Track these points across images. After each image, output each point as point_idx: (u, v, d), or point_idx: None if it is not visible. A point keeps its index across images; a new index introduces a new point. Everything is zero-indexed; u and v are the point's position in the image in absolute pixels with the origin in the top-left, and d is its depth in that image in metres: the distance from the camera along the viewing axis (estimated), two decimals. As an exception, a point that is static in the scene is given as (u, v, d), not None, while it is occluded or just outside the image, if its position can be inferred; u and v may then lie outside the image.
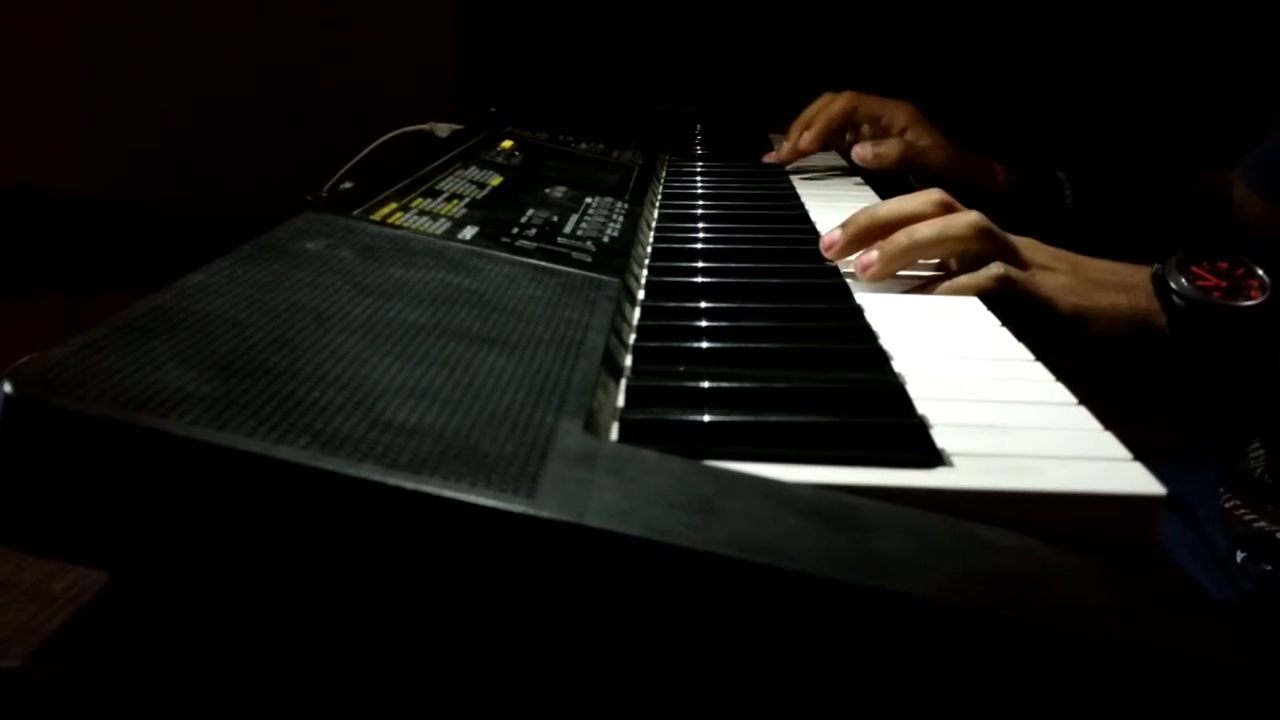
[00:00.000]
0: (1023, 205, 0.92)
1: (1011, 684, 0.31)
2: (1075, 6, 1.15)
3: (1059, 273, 0.64)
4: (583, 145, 0.98)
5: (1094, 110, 1.13)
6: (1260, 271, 0.62)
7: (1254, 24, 1.02)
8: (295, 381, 0.34)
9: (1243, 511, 0.68)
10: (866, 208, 0.66)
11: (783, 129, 1.08)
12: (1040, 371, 0.48)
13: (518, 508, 0.30)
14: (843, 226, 0.65)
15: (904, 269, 0.63)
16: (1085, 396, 0.44)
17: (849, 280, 0.63)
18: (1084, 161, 0.96)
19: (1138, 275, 0.65)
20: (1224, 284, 0.62)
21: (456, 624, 0.31)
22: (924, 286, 0.63)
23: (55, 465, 0.30)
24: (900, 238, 0.62)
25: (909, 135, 0.95)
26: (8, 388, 0.30)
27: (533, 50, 1.30)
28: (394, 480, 0.30)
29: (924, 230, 0.62)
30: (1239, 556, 0.66)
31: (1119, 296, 0.63)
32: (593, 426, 0.37)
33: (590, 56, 1.30)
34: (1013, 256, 0.63)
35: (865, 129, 0.99)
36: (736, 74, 1.31)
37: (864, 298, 0.59)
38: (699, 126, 1.23)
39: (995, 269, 0.62)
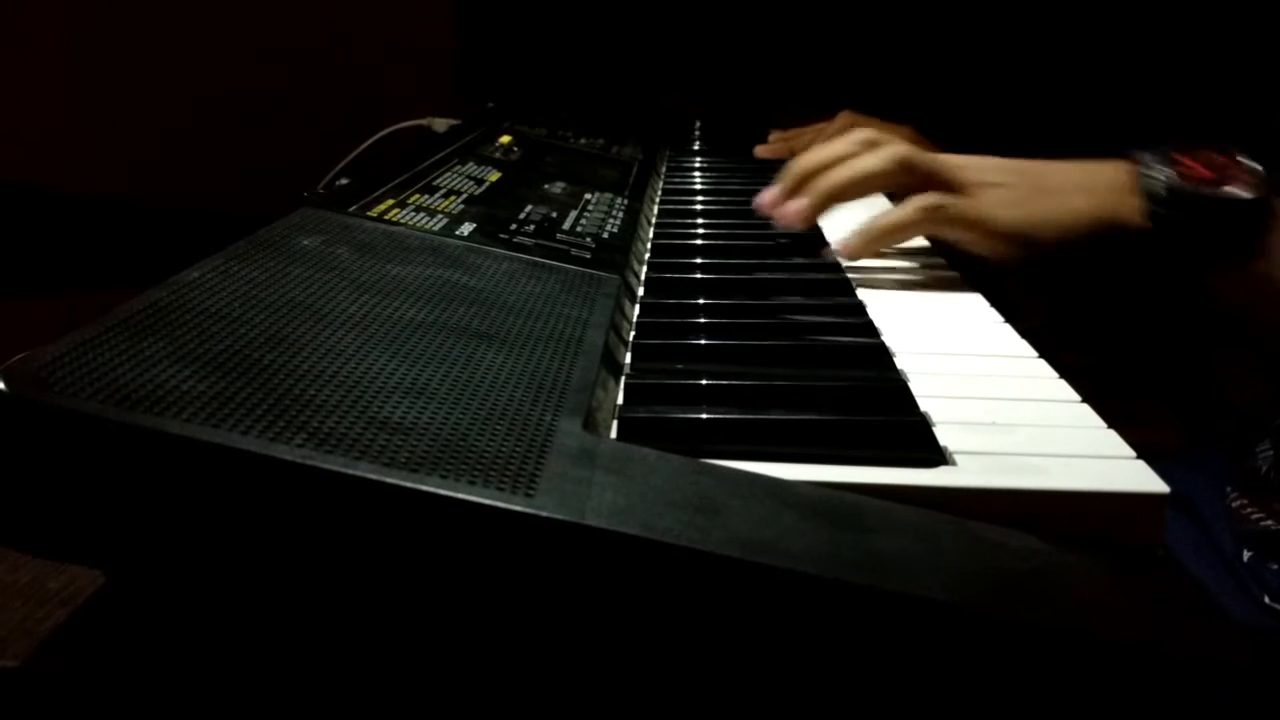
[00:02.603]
0: None
1: (1014, 684, 0.31)
2: (1090, 16, 1.14)
3: (1002, 186, 0.60)
4: (582, 140, 0.98)
5: (1110, 130, 1.12)
6: (1254, 164, 0.57)
7: (1269, 40, 1.01)
8: (292, 379, 0.34)
9: (1250, 510, 0.68)
10: (798, 156, 0.66)
11: (784, 125, 1.08)
12: (1043, 369, 0.48)
13: (516, 506, 0.30)
14: (777, 180, 0.66)
15: (834, 211, 0.63)
16: (1089, 394, 0.44)
17: (850, 276, 0.62)
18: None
19: (1104, 172, 0.60)
20: (1212, 175, 0.57)
21: (455, 623, 0.31)
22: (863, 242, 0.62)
23: (50, 464, 0.30)
24: (821, 183, 0.62)
25: None
26: (1, 385, 0.29)
27: (531, 44, 1.30)
28: (392, 479, 0.30)
29: (843, 172, 0.62)
30: (1245, 555, 0.66)
31: (1076, 198, 0.59)
32: (592, 424, 0.37)
33: (590, 51, 1.30)
34: (947, 183, 0.60)
35: None
36: (738, 69, 1.31)
37: (866, 293, 0.59)
38: (700, 122, 1.23)
39: (917, 200, 0.60)
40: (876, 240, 0.62)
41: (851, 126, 0.98)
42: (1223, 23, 1.04)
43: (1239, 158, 0.57)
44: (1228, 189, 0.55)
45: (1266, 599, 0.63)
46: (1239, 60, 1.02)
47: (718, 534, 0.31)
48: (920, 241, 0.67)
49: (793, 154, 1.03)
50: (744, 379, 0.44)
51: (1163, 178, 0.56)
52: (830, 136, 0.99)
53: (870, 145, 0.63)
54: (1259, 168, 0.56)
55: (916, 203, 0.60)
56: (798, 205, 0.62)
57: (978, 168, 0.62)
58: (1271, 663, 0.31)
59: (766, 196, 0.66)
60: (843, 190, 0.62)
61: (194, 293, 0.39)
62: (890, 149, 0.61)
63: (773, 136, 1.07)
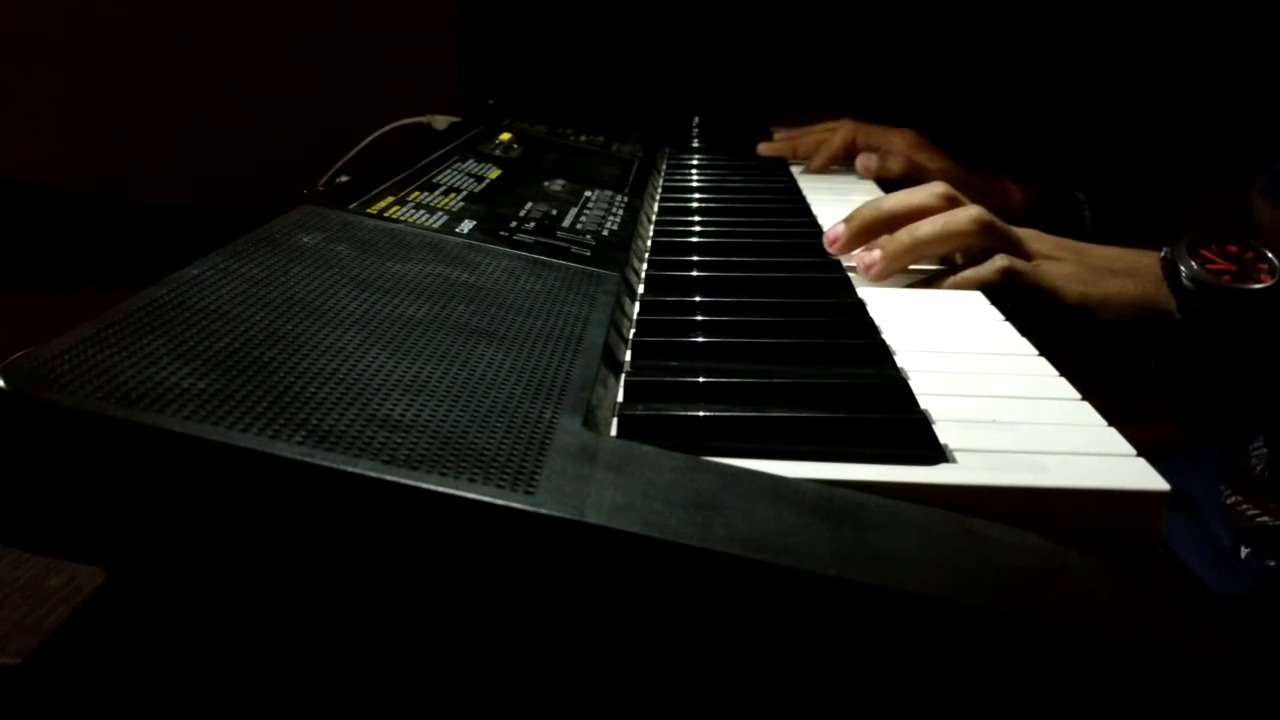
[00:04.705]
0: (1041, 226, 0.92)
1: (1015, 681, 0.31)
2: (1088, 23, 1.14)
3: (1064, 262, 0.64)
4: (582, 138, 0.97)
5: (1107, 129, 1.13)
6: (1271, 255, 0.62)
7: (1264, 43, 1.01)
8: (291, 376, 0.34)
9: (1245, 507, 0.68)
10: (870, 201, 0.66)
11: (783, 122, 1.08)
12: (1044, 366, 0.48)
13: (516, 504, 0.30)
14: (846, 221, 0.65)
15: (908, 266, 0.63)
16: (1089, 392, 0.44)
17: (850, 274, 0.62)
18: (1101, 182, 0.96)
19: (1145, 260, 0.64)
20: (1234, 268, 0.61)
21: (455, 620, 0.31)
22: (928, 281, 0.63)
23: (51, 461, 0.30)
24: (903, 236, 0.62)
25: (914, 159, 0.95)
26: (1, 383, 0.29)
27: (532, 42, 1.30)
28: (392, 476, 0.30)
29: (926, 228, 0.62)
30: (1243, 552, 0.66)
31: (1126, 282, 0.63)
32: (592, 422, 0.37)
33: (590, 48, 1.30)
34: (1016, 249, 0.63)
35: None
36: (738, 66, 1.31)
37: (866, 292, 0.59)
38: (700, 119, 1.23)
39: (1000, 261, 0.62)
40: (952, 287, 0.62)
41: (854, 134, 0.98)
42: (1228, 34, 1.04)
43: (1261, 249, 0.62)
44: (1248, 284, 0.60)
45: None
46: (1245, 70, 1.02)
47: (718, 531, 0.31)
48: None
49: (795, 152, 1.03)
50: (744, 377, 0.44)
51: (1188, 271, 0.61)
52: (836, 147, 0.99)
53: (951, 201, 0.64)
54: (1276, 260, 0.61)
55: (998, 264, 0.62)
56: (873, 261, 0.62)
57: (1039, 240, 0.65)
58: (1268, 657, 0.31)
59: (834, 235, 0.65)
60: (926, 246, 0.62)
61: (194, 290, 0.39)
62: (974, 210, 0.63)
63: (777, 135, 1.07)
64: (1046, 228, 0.82)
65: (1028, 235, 0.65)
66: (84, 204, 1.16)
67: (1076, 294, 0.62)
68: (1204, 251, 0.62)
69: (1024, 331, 0.53)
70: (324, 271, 0.45)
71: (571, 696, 0.32)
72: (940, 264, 0.65)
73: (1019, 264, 0.62)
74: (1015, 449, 0.39)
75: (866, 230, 0.64)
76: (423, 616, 0.31)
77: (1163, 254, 0.64)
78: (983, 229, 0.62)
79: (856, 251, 0.64)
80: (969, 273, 0.62)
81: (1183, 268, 0.61)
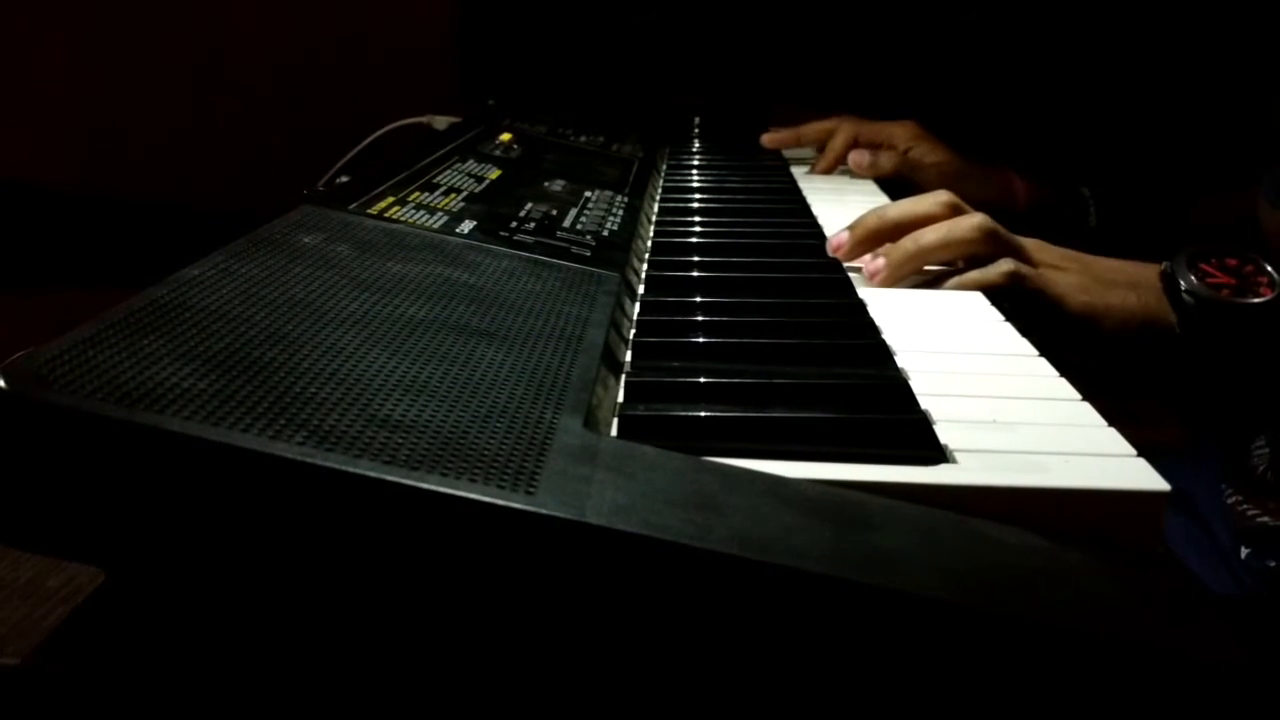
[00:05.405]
0: (1045, 221, 0.92)
1: (1014, 681, 0.31)
2: (1095, 21, 1.14)
3: (1069, 272, 0.64)
4: (582, 138, 0.97)
5: (1114, 125, 1.13)
6: (1270, 269, 0.62)
7: (1270, 42, 1.01)
8: (292, 377, 0.34)
9: (1246, 507, 0.68)
10: (875, 209, 0.65)
11: (783, 121, 1.08)
12: (1044, 367, 0.48)
13: (517, 504, 0.30)
14: (850, 228, 0.65)
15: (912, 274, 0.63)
16: (1089, 392, 0.44)
17: (851, 275, 0.62)
18: (1106, 178, 0.96)
19: (1147, 273, 0.64)
20: (1234, 281, 0.62)
21: (456, 621, 0.31)
22: (931, 283, 0.63)
23: (50, 462, 0.30)
24: (907, 244, 0.62)
25: (912, 154, 0.95)
26: (1, 383, 0.29)
27: (532, 42, 1.30)
28: (392, 477, 0.30)
29: (930, 236, 0.62)
30: (1243, 553, 0.66)
31: (1129, 294, 0.63)
32: (592, 422, 0.37)
33: (590, 48, 1.30)
34: (1021, 257, 0.63)
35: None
36: (738, 66, 1.31)
37: (866, 292, 0.59)
38: (700, 119, 1.23)
39: (1005, 265, 0.61)
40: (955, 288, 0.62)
41: (855, 133, 0.98)
42: (1235, 33, 1.04)
43: (1260, 262, 0.62)
44: (1248, 298, 0.60)
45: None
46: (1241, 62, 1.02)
47: (718, 532, 0.31)
48: None
49: (800, 140, 1.03)
50: (744, 377, 0.44)
51: (1187, 284, 0.61)
52: (839, 149, 0.98)
53: (955, 210, 0.64)
54: (1276, 274, 0.61)
55: (1003, 268, 0.62)
56: (878, 269, 0.62)
57: (1044, 250, 0.65)
58: (1268, 658, 0.31)
59: (838, 242, 0.65)
60: (930, 254, 0.62)
61: (194, 290, 0.39)
62: (978, 218, 0.63)
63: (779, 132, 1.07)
64: (1051, 223, 0.82)
65: (1033, 244, 0.65)
66: (84, 204, 1.16)
67: (1081, 304, 0.62)
68: (1203, 265, 0.62)
69: (1024, 332, 0.53)
70: (324, 272, 0.45)
71: (572, 697, 0.32)
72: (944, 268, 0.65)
73: (1024, 269, 0.62)
74: (1015, 449, 0.39)
75: (870, 238, 0.64)
76: (423, 617, 0.31)
77: (1162, 268, 0.64)
78: (987, 236, 0.62)
79: (862, 259, 0.64)
80: (973, 275, 0.62)
81: (1182, 282, 0.62)
